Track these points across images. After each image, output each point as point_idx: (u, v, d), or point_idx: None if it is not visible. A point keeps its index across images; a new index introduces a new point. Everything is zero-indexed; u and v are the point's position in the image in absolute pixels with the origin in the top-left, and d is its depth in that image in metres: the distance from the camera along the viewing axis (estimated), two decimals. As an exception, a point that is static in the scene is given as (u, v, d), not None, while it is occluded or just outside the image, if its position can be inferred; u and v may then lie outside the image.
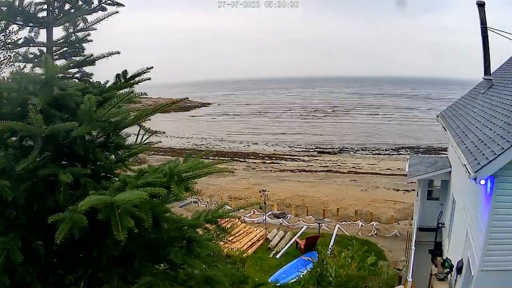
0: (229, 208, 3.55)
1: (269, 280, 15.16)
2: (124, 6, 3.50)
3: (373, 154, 46.51)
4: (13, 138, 3.05)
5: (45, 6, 3.45)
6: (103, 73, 3.54)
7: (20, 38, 3.53)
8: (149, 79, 3.43)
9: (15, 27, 3.50)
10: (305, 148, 50.34)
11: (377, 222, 23.96)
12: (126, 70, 3.38)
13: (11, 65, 7.09)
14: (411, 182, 17.56)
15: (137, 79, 3.40)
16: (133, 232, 2.45)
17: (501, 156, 6.46)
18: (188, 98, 4.19)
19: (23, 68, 4.74)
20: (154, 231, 3.04)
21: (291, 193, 31.22)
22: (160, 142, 3.63)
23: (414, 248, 13.24)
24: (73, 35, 3.59)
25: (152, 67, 3.39)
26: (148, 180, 2.77)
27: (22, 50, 3.59)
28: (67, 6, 3.51)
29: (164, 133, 3.56)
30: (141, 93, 3.16)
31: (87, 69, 3.70)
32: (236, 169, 35.55)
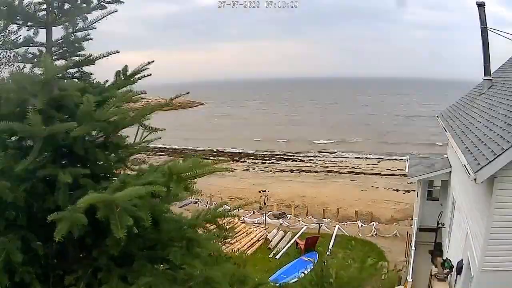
0: (228, 207, 3.54)
1: (269, 280, 15.13)
2: (123, 3, 3.48)
3: (373, 154, 46.50)
4: (13, 139, 3.05)
5: (45, 6, 3.43)
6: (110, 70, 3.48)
7: (20, 36, 3.51)
8: (150, 75, 3.39)
9: (14, 27, 3.48)
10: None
11: (377, 223, 23.92)
12: (126, 66, 3.36)
13: (11, 65, 7.07)
14: (411, 183, 17.57)
15: (137, 76, 3.38)
16: (133, 232, 2.44)
17: (501, 156, 6.47)
18: (188, 92, 4.12)
19: (22, 68, 4.72)
20: (154, 231, 3.04)
21: (291, 193, 31.18)
22: (160, 138, 3.59)
23: (414, 248, 13.25)
24: (73, 34, 3.58)
25: (153, 61, 3.34)
26: (147, 180, 2.77)
27: (21, 50, 3.57)
28: (66, 6, 3.50)
29: (165, 129, 3.52)
30: (141, 91, 3.14)
31: (87, 68, 3.67)
32: (236, 169, 35.53)
